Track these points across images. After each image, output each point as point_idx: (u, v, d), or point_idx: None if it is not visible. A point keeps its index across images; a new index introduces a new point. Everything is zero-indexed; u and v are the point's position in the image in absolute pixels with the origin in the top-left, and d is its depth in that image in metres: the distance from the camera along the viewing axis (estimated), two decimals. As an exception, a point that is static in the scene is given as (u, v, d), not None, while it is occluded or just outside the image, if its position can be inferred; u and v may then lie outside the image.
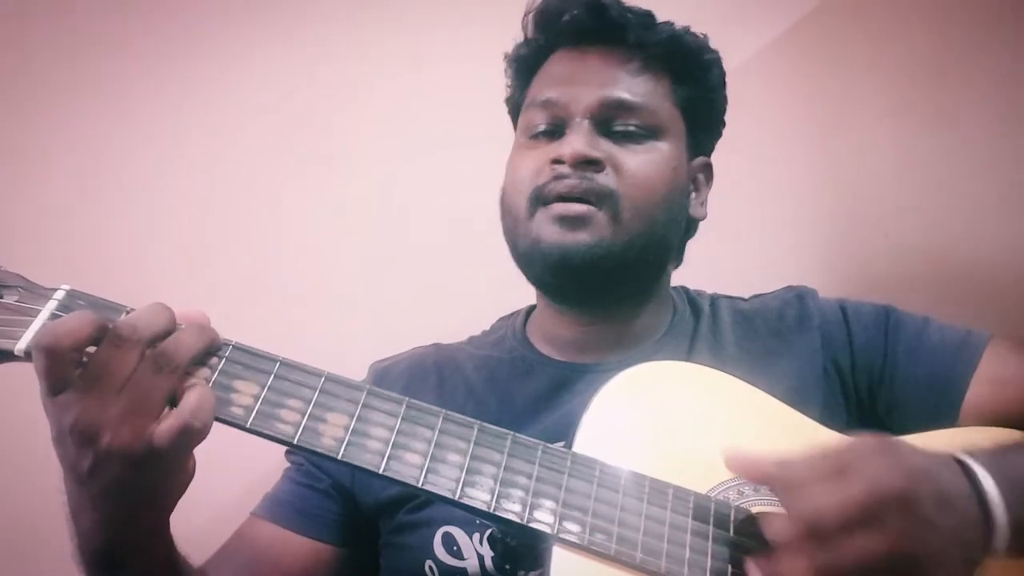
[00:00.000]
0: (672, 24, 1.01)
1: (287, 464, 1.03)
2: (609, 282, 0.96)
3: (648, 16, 1.01)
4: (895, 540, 0.62)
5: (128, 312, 0.71)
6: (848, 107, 1.32)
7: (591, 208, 0.92)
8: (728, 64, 1.06)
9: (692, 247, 1.09)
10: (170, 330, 0.68)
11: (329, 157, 1.39)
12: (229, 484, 1.15)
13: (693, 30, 1.04)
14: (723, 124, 1.08)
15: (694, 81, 1.01)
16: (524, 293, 1.05)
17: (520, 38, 1.06)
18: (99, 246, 1.31)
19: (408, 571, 0.92)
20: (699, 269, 1.09)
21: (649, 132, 0.97)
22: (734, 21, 1.33)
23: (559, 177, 0.93)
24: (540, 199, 0.94)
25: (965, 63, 1.26)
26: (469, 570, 0.88)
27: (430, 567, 0.90)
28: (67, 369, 0.66)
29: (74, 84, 1.36)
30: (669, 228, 0.99)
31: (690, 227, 1.06)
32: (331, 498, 0.98)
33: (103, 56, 1.37)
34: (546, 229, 0.93)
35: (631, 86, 0.97)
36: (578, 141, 0.93)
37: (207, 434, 0.67)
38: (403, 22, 1.40)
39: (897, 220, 1.30)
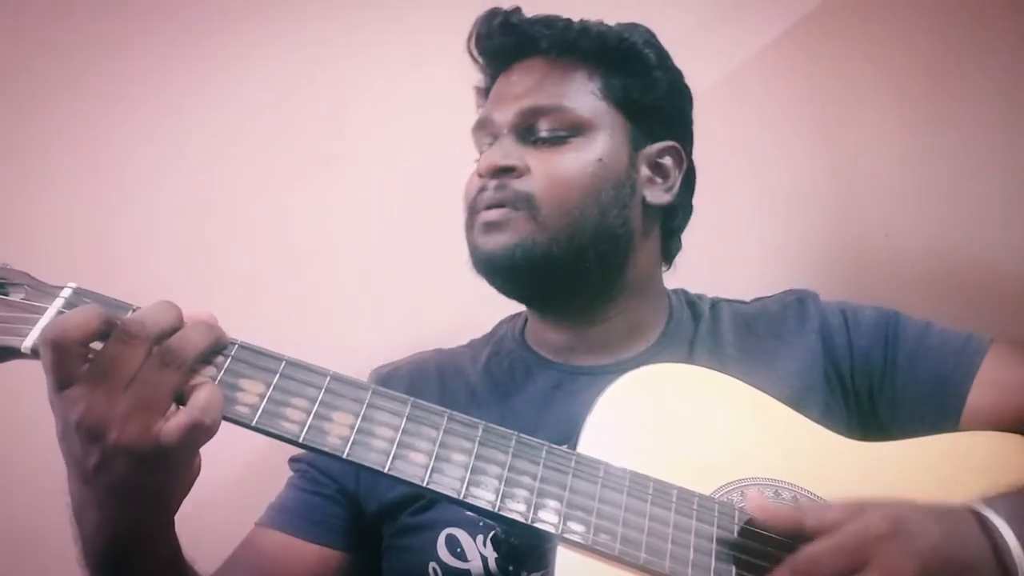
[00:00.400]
0: (586, 22, 1.03)
1: (290, 473, 1.04)
2: (544, 279, 0.97)
3: (558, 21, 1.03)
4: None
5: (134, 310, 0.71)
6: (849, 107, 1.32)
7: (507, 211, 0.95)
8: (728, 64, 1.06)
9: (692, 248, 1.08)
10: (177, 327, 0.68)
11: (329, 157, 1.39)
12: (218, 482, 1.14)
13: (638, 22, 1.05)
14: (678, 105, 1.07)
15: (623, 70, 1.02)
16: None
17: None
18: (99, 246, 1.31)
19: (411, 573, 0.92)
20: (699, 270, 1.09)
21: (571, 131, 0.98)
22: (734, 21, 1.33)
23: (483, 190, 0.97)
24: (472, 211, 0.99)
25: (966, 63, 1.25)
26: (472, 572, 0.89)
27: (433, 569, 0.90)
28: (74, 363, 0.66)
29: (74, 84, 1.36)
30: (605, 219, 0.97)
31: (670, 216, 1.05)
32: (337, 503, 0.99)
33: (103, 56, 1.37)
34: (478, 238, 0.97)
35: (545, 91, 0.99)
36: (492, 153, 0.98)
37: (216, 432, 0.67)
38: (403, 22, 1.40)
39: (898, 221, 1.30)
